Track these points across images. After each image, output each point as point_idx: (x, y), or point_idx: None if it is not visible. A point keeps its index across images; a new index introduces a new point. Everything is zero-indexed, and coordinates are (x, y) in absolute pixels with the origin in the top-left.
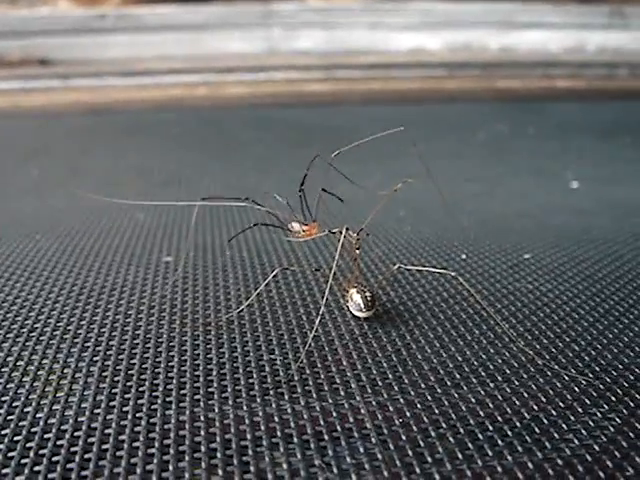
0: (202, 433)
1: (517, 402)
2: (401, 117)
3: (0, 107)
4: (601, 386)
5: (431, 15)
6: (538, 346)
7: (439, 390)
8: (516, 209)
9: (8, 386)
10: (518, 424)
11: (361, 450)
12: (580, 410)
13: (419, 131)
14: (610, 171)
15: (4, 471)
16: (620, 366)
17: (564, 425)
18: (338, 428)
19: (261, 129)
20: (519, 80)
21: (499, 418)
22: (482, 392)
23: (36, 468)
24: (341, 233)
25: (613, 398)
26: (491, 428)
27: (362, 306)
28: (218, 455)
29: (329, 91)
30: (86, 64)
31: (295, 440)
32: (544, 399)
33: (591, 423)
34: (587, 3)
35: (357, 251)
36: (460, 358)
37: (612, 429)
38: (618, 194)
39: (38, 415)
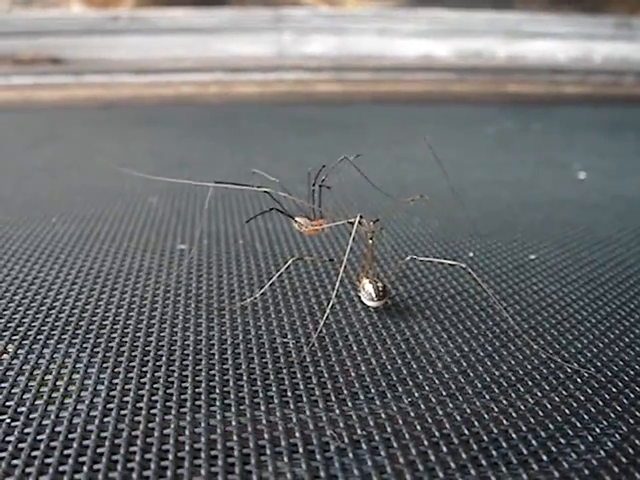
0: (217, 407)
1: (521, 389)
2: (410, 116)
3: (12, 101)
4: (603, 379)
5: (440, 23)
6: (542, 342)
7: (446, 375)
8: (523, 200)
9: (29, 357)
10: (523, 407)
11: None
12: (582, 398)
13: (428, 127)
14: (616, 164)
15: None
16: (621, 362)
17: (566, 410)
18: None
19: (270, 122)
20: (527, 85)
21: (504, 401)
22: (488, 379)
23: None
24: (356, 223)
25: (614, 390)
26: (496, 409)
27: (374, 295)
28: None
29: (338, 91)
30: (98, 63)
31: (307, 412)
32: (547, 387)
33: (592, 410)
34: (594, 14)
35: (370, 241)
36: (467, 349)
37: (613, 415)
38: (623, 186)
39: (54, 395)
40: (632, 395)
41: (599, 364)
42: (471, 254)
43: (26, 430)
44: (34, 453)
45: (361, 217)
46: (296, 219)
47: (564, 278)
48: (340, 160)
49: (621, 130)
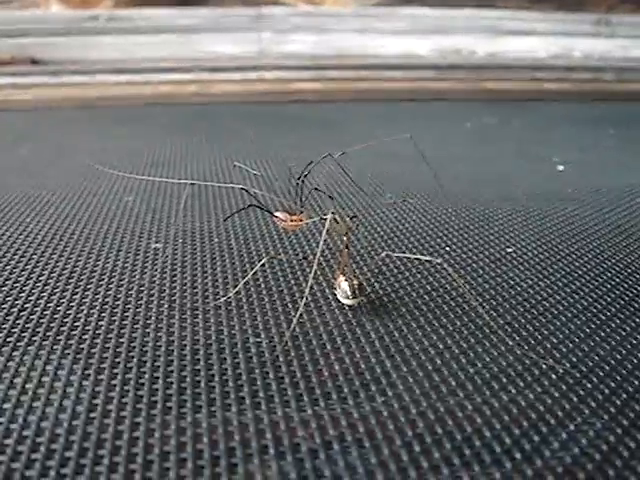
0: (188, 409)
1: (496, 386)
2: (390, 113)
3: None
4: (578, 375)
5: (420, 21)
6: (517, 337)
7: (420, 374)
8: (501, 193)
9: None
10: (497, 404)
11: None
12: (556, 395)
13: (408, 123)
14: (595, 158)
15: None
16: (596, 358)
17: (541, 407)
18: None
19: (250, 119)
20: (507, 82)
21: (478, 399)
22: (462, 377)
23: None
24: (328, 219)
25: (589, 385)
26: (470, 407)
27: (349, 293)
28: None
29: (319, 89)
30: (77, 63)
31: (279, 413)
32: (522, 384)
33: (567, 407)
34: (574, 12)
35: (345, 238)
36: (442, 346)
37: (587, 411)
38: (602, 179)
39: (22, 399)
40: (607, 391)
41: (574, 359)
42: (447, 248)
43: None
44: (0, 458)
45: (333, 214)
46: (276, 214)
47: (541, 272)
48: (323, 157)
49: (601, 125)
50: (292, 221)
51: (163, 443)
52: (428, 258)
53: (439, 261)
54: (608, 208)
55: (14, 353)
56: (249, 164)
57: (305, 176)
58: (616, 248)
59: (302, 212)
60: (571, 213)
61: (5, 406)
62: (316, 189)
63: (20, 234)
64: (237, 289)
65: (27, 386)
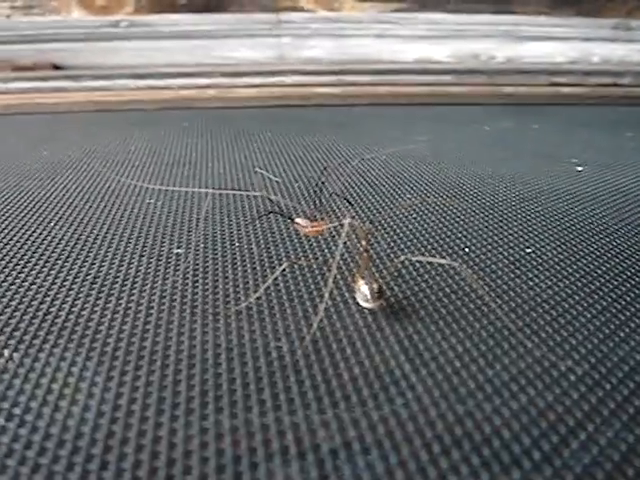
0: (210, 410)
1: (514, 388)
2: (407, 116)
3: (12, 106)
4: (597, 376)
5: (438, 26)
6: (536, 339)
7: (439, 376)
8: (520, 193)
9: (25, 360)
10: (515, 406)
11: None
12: (575, 396)
13: (425, 126)
14: (614, 158)
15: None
16: (616, 359)
17: (559, 408)
18: (340, 395)
19: (269, 122)
20: (525, 87)
21: (497, 400)
22: (481, 379)
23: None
24: (346, 225)
25: (608, 387)
26: (489, 409)
27: (369, 297)
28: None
29: (337, 94)
30: (98, 69)
31: (300, 415)
32: (540, 385)
33: (586, 408)
34: (592, 17)
35: (363, 242)
36: (460, 348)
37: (606, 412)
38: (621, 178)
39: (48, 398)
40: (626, 392)
41: (593, 360)
42: (467, 250)
43: (20, 431)
44: (27, 453)
45: (352, 218)
46: (296, 221)
47: (560, 272)
48: (340, 164)
49: (619, 128)
50: (312, 227)
51: (186, 442)
52: (446, 261)
53: (457, 264)
54: (627, 208)
55: (40, 354)
56: (268, 167)
57: (323, 183)
58: (635, 248)
59: (322, 218)
60: (590, 213)
61: (32, 404)
62: (335, 194)
63: (45, 238)
64: (258, 294)
65: (53, 386)
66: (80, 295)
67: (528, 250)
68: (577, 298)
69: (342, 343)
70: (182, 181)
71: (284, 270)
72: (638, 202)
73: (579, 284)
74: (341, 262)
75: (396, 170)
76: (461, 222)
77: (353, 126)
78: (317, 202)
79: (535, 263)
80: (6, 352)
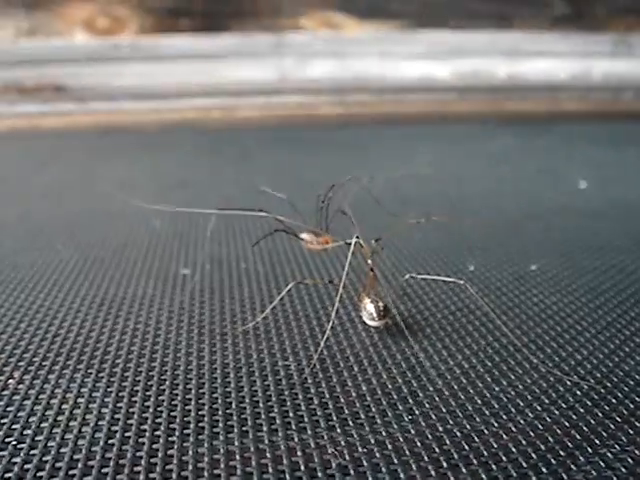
0: (220, 429)
1: (521, 403)
2: (411, 135)
3: (17, 128)
4: (602, 390)
5: (439, 44)
6: (542, 355)
7: (446, 393)
8: (524, 210)
9: (34, 382)
10: (522, 422)
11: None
12: (581, 410)
13: (429, 145)
14: (616, 174)
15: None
16: (621, 373)
17: (566, 423)
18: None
19: (273, 144)
20: (527, 103)
21: (503, 416)
22: (488, 395)
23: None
24: (352, 244)
25: (614, 401)
26: (496, 425)
27: (375, 315)
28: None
29: (340, 113)
30: (101, 90)
31: (309, 432)
32: (547, 400)
33: (592, 422)
34: (593, 33)
35: (370, 261)
36: (467, 365)
37: (612, 426)
38: (624, 193)
39: (59, 419)
40: (632, 405)
41: (599, 375)
42: (472, 267)
43: (32, 452)
44: (40, 474)
45: (358, 238)
46: (302, 236)
47: (565, 288)
48: (348, 179)
49: (622, 144)
50: (318, 243)
51: (196, 460)
52: (451, 279)
53: (462, 282)
54: (631, 222)
55: (50, 376)
56: (273, 185)
57: (329, 198)
58: None
59: (327, 232)
60: (594, 229)
61: (43, 425)
62: (341, 212)
63: (52, 260)
64: (265, 314)
65: (63, 406)
66: (88, 316)
67: (532, 267)
68: (582, 314)
69: (349, 361)
70: (187, 203)
71: (290, 290)
72: None
73: (584, 300)
74: (347, 281)
75: (399, 191)
76: (465, 239)
77: (356, 145)
78: (322, 219)
79: (540, 279)
80: (17, 374)
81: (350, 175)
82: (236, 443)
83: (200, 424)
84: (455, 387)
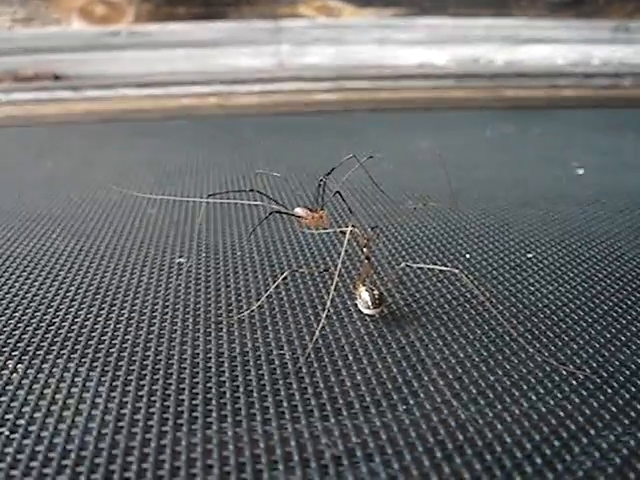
0: (214, 418)
1: (516, 393)
2: (409, 122)
3: (14, 116)
4: (598, 380)
5: (438, 31)
6: (538, 344)
7: (441, 382)
8: (522, 197)
9: (28, 371)
10: (517, 411)
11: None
12: (577, 400)
13: (427, 132)
14: (615, 161)
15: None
16: (617, 363)
17: (561, 412)
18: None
19: (270, 130)
20: (526, 89)
21: (498, 406)
22: (483, 385)
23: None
24: (348, 232)
25: (609, 391)
26: (491, 414)
27: (370, 303)
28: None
29: (338, 100)
30: (99, 78)
31: (303, 422)
32: (542, 390)
33: (588, 412)
34: (592, 19)
35: (365, 249)
36: (462, 354)
37: (607, 416)
38: (622, 181)
39: (52, 408)
40: (627, 395)
41: (595, 365)
42: (468, 255)
43: (25, 442)
44: (32, 464)
45: (353, 226)
46: (296, 210)
47: (561, 277)
48: (348, 158)
49: (620, 130)
50: (313, 218)
51: (190, 450)
52: (447, 268)
53: (457, 271)
54: (628, 210)
55: (43, 365)
56: (270, 171)
57: (327, 175)
58: (636, 251)
59: (322, 208)
60: (591, 216)
61: (36, 415)
62: (338, 192)
63: (47, 249)
64: (260, 303)
65: (57, 396)
66: (83, 305)
67: (529, 255)
68: (578, 303)
69: (344, 350)
70: (184, 190)
71: (285, 278)
72: (639, 205)
73: (580, 289)
74: (342, 269)
75: (396, 178)
76: (462, 228)
77: (354, 132)
78: (319, 196)
79: (536, 268)
80: (10, 363)
81: (346, 163)
82: (229, 433)
83: (194, 414)
84: (450, 376)
